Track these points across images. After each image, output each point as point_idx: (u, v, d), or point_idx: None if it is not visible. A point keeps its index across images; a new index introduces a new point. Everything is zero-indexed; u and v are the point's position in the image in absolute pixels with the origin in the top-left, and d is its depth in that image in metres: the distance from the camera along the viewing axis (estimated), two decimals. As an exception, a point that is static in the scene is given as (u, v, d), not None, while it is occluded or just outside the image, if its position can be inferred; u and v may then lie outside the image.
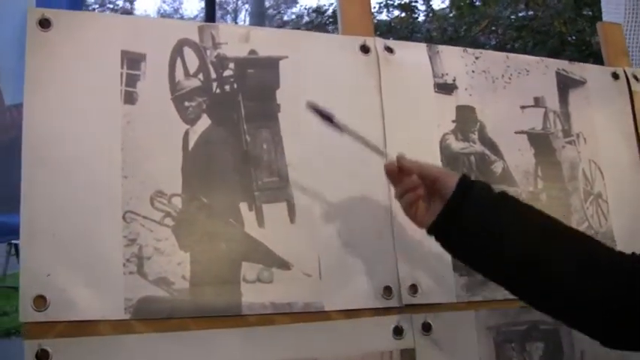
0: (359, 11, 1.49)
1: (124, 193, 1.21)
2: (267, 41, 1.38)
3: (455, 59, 1.53)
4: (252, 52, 1.36)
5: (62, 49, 1.23)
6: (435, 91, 1.49)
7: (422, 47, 1.52)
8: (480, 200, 1.13)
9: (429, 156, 1.43)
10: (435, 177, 1.17)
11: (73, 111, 1.21)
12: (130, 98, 1.25)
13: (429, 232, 1.16)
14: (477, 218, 1.11)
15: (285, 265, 1.28)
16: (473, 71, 1.55)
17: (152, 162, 1.24)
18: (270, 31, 1.48)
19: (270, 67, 1.37)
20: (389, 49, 1.46)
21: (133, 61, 1.27)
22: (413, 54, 1.50)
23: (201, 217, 1.25)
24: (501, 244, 1.10)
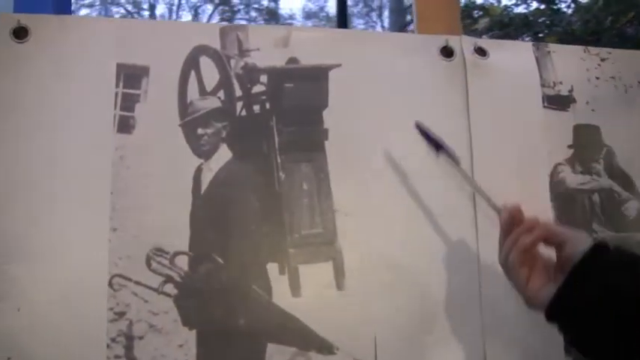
0: (441, 1, 1.15)
1: (112, 250, 0.92)
2: (312, 45, 1.05)
3: (572, 62, 1.14)
4: (293, 60, 1.04)
5: (41, 64, 0.96)
6: (544, 106, 1.11)
7: (526, 47, 1.14)
8: (618, 265, 0.81)
9: (535, 196, 1.06)
10: (562, 239, 0.86)
11: (49, 143, 0.93)
12: (125, 125, 0.96)
13: (549, 310, 0.83)
14: (611, 289, 0.79)
15: (327, 349, 0.95)
16: (597, 78, 1.15)
17: (150, 209, 0.94)
18: (317, 31, 1.17)
19: (315, 79, 1.04)
20: (480, 51, 1.10)
21: (131, 77, 0.98)
22: (513, 56, 1.12)
23: (214, 282, 0.94)
24: None
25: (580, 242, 0.84)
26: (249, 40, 1.03)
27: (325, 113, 1.03)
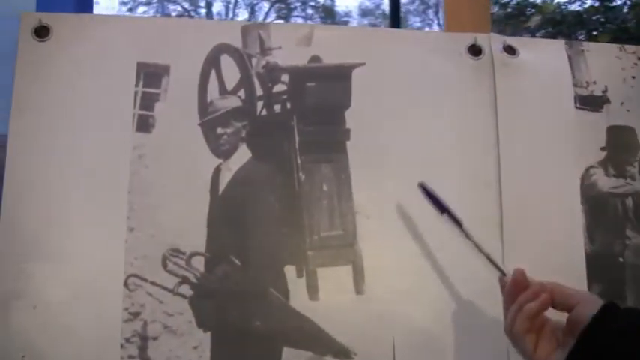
0: (470, -1, 1.11)
1: (128, 250, 0.91)
2: (335, 43, 1.03)
3: (607, 61, 1.08)
4: (315, 58, 1.01)
5: (61, 62, 0.96)
6: (577, 107, 1.06)
7: (558, 45, 1.09)
8: (628, 329, 0.75)
9: (564, 200, 1.02)
10: (571, 303, 0.80)
11: (66, 142, 0.93)
12: (144, 124, 0.95)
13: None
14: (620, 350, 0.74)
15: (345, 353, 0.92)
16: (633, 77, 1.09)
17: (168, 209, 0.93)
18: (341, 29, 1.14)
19: (338, 78, 1.01)
20: (509, 50, 1.06)
21: (151, 75, 0.97)
22: (545, 55, 1.07)
23: (230, 284, 0.92)
24: None
25: (589, 304, 0.78)
26: (271, 39, 1.01)
27: (348, 113, 1.00)
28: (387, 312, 0.95)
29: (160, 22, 1.07)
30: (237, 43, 1.00)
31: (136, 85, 0.97)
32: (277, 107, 0.99)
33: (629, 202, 1.04)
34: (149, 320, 0.90)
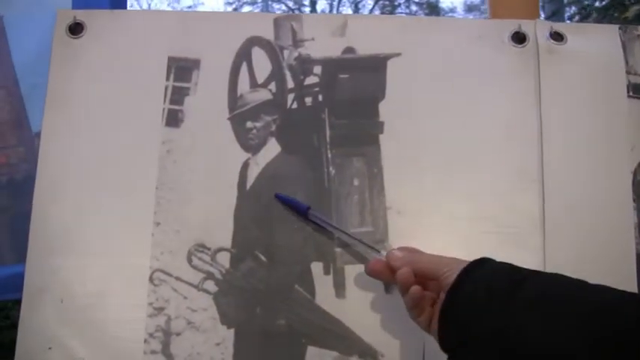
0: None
1: (154, 245, 0.91)
2: (370, 34, 0.99)
3: None
4: (349, 49, 0.98)
5: (94, 58, 0.97)
6: (629, 96, 0.97)
7: (612, 31, 1.00)
8: (476, 294, 0.72)
9: (615, 196, 0.94)
10: (430, 272, 0.79)
11: (97, 137, 0.94)
12: (173, 119, 0.95)
13: (441, 347, 0.76)
14: (475, 322, 0.70)
15: (371, 354, 0.88)
16: (694, 63, 1.01)
17: (194, 204, 0.92)
18: (376, 18, 1.10)
19: (373, 69, 0.97)
20: (557, 36, 0.99)
21: (182, 69, 0.96)
22: (595, 41, 0.99)
23: (255, 281, 0.90)
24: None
25: (451, 266, 0.76)
26: (304, 30, 0.98)
27: (381, 105, 0.96)
28: (417, 312, 0.91)
29: (192, 16, 1.07)
30: (270, 36, 0.98)
31: (167, 79, 0.96)
32: (309, 100, 0.96)
33: (687, 198, 0.96)
34: (173, 316, 0.89)
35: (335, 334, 0.89)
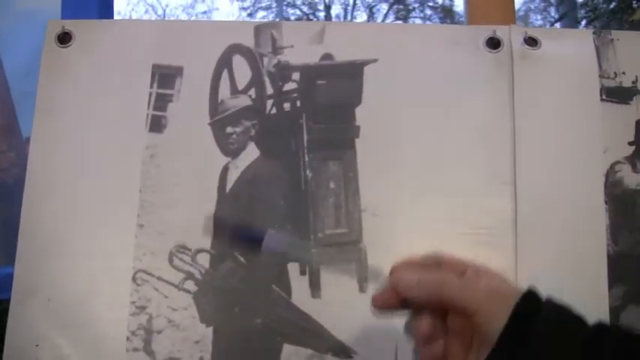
0: (495, -10, 1.07)
1: (137, 246, 0.94)
2: (348, 40, 1.01)
3: (639, 51, 1.01)
4: (327, 56, 1.01)
5: (81, 66, 1.00)
6: (603, 99, 0.99)
7: (586, 35, 1.02)
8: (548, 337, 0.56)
9: (587, 198, 0.95)
10: (470, 309, 0.59)
11: (84, 142, 0.97)
12: (157, 125, 0.98)
13: None
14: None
15: (344, 352, 0.91)
16: (668, 67, 1.02)
17: (176, 207, 0.95)
18: (354, 26, 1.12)
19: (350, 75, 1.00)
20: (531, 41, 1.01)
21: (166, 77, 1.00)
22: (569, 46, 1.01)
23: (234, 281, 0.93)
24: None
25: (497, 303, 0.58)
26: (283, 38, 1.01)
27: (358, 110, 0.98)
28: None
29: (177, 24, 1.11)
30: (250, 43, 1.01)
31: (151, 86, 1.00)
32: (287, 105, 0.99)
33: (660, 200, 0.97)
34: (154, 314, 0.93)
35: (310, 333, 0.92)
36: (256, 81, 1.00)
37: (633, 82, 1.00)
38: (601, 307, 0.92)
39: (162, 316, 0.93)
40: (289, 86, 1.00)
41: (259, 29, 1.02)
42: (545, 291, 0.89)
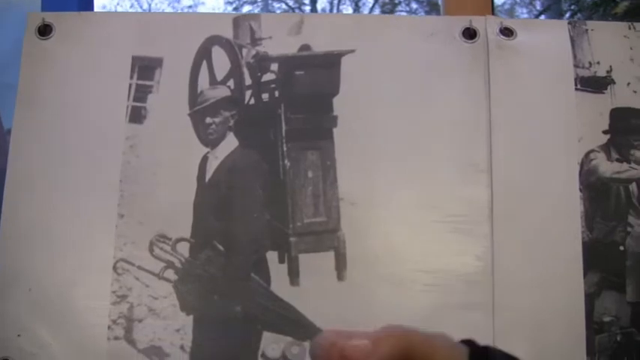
0: (472, -19, 1.08)
1: (118, 236, 0.95)
2: (326, 31, 1.02)
3: (613, 41, 1.02)
4: (305, 47, 1.01)
5: (62, 58, 1.01)
6: (577, 89, 1.00)
7: (561, 26, 1.03)
8: None
9: (561, 186, 0.96)
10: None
11: (65, 134, 0.98)
12: (136, 115, 0.99)
13: None
14: None
15: (323, 340, 0.93)
16: (641, 56, 1.03)
17: (156, 197, 0.96)
18: (332, 17, 1.13)
19: (328, 66, 1.00)
20: (507, 32, 1.02)
21: (145, 68, 1.00)
22: (545, 36, 1.02)
23: (213, 269, 0.94)
24: None
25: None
26: (262, 29, 1.02)
27: (335, 100, 0.99)
28: (369, 300, 0.93)
29: (156, 16, 1.11)
30: (229, 35, 1.02)
31: (131, 77, 1.00)
32: (266, 96, 1.00)
33: (633, 187, 0.97)
34: (135, 303, 0.94)
35: (289, 320, 0.93)
36: (235, 72, 1.01)
37: (607, 72, 1.01)
38: (576, 294, 0.94)
39: (143, 304, 0.94)
40: (268, 77, 1.00)
41: (238, 21, 1.02)
42: (521, 278, 0.92)
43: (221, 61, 1.01)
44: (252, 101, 1.00)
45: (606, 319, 0.94)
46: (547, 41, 1.02)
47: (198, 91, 1.00)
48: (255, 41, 1.02)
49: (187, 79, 1.00)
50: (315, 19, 1.04)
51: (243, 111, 0.99)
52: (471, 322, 0.92)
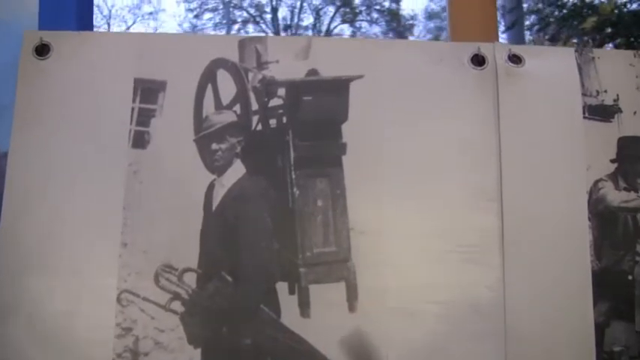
0: (477, 6, 1.08)
1: (122, 266, 0.92)
2: (334, 56, 1.00)
3: (620, 69, 1.03)
4: (313, 72, 1.00)
5: (61, 79, 0.97)
6: (585, 117, 1.01)
7: (568, 53, 1.04)
8: None
9: (571, 215, 0.97)
10: None
11: (64, 158, 0.95)
12: (140, 140, 0.96)
13: None
14: None
15: (335, 372, 0.92)
16: (647, 86, 1.05)
17: (161, 225, 0.93)
18: (340, 41, 1.12)
19: (336, 91, 0.99)
20: (515, 59, 1.02)
21: (148, 91, 0.97)
22: (552, 63, 1.03)
23: (221, 300, 0.92)
24: None
25: None
26: (268, 52, 1.00)
27: (344, 127, 0.98)
28: (380, 331, 0.92)
29: (158, 38, 1.08)
30: (235, 58, 0.99)
31: (133, 101, 0.97)
32: (273, 122, 0.98)
33: (642, 216, 0.99)
34: (141, 336, 0.91)
35: (300, 353, 0.92)
36: (241, 96, 0.98)
37: (614, 100, 1.02)
38: (586, 323, 0.94)
39: (149, 337, 0.91)
40: (275, 102, 0.99)
41: (243, 43, 1.00)
42: (531, 307, 0.92)
43: (227, 85, 0.98)
44: (260, 127, 0.97)
45: (616, 348, 0.95)
46: (555, 69, 1.02)
47: (204, 115, 0.97)
48: (261, 65, 0.99)
49: (192, 103, 0.97)
50: (322, 43, 1.02)
51: (250, 137, 0.97)
52: (483, 353, 0.92)
